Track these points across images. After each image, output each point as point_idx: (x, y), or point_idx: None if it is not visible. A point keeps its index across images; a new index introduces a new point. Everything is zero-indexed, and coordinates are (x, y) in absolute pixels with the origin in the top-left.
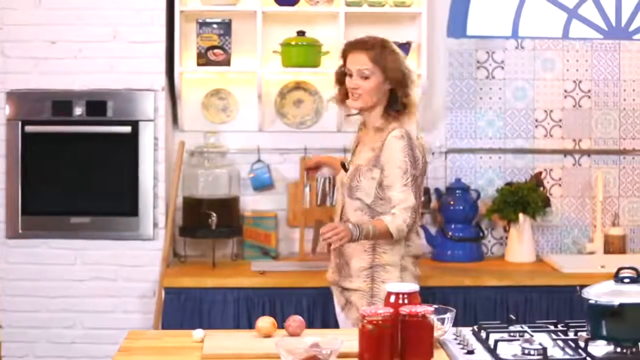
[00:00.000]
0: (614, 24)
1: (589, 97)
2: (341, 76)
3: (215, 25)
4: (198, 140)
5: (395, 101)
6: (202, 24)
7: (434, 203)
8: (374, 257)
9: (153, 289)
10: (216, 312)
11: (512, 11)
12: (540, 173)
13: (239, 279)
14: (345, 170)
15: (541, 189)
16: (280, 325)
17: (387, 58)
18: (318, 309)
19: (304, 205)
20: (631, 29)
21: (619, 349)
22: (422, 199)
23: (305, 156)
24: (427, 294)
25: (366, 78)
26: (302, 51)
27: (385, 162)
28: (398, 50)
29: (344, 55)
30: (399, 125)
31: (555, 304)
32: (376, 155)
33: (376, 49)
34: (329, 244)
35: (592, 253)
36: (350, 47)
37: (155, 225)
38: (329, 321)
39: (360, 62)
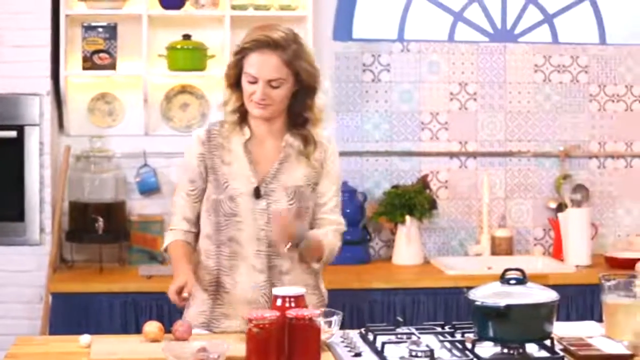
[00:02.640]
0: (499, 26)
1: (475, 99)
2: (236, 79)
3: (100, 29)
4: (84, 144)
5: (303, 106)
6: (88, 28)
7: None
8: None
9: (40, 294)
10: (103, 317)
11: (397, 14)
12: (427, 175)
13: (126, 284)
14: (259, 196)
15: (428, 191)
16: (168, 329)
17: (302, 59)
18: None
19: None
20: (517, 31)
21: (505, 350)
22: None
23: None
24: None
25: (277, 87)
26: (188, 55)
27: (325, 175)
28: (307, 44)
29: (243, 52)
30: (313, 132)
31: (442, 305)
32: (317, 171)
33: (290, 48)
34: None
35: (479, 255)
36: (257, 46)
37: (41, 230)
38: None
39: (272, 68)
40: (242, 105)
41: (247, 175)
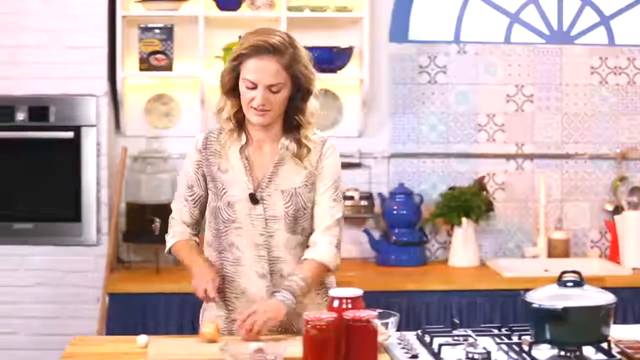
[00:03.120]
0: (555, 28)
1: (532, 101)
2: (232, 85)
3: (157, 30)
4: (141, 145)
5: (297, 109)
6: (144, 29)
7: (377, 208)
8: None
9: (97, 295)
10: (160, 318)
11: (454, 16)
12: (483, 177)
13: (183, 284)
14: (256, 201)
15: (484, 193)
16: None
17: (299, 63)
18: None
19: None
20: (573, 33)
21: (562, 353)
22: None
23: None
24: (371, 299)
25: (277, 92)
26: None
27: (318, 175)
28: (302, 47)
29: (240, 58)
30: (307, 134)
31: (498, 308)
32: (310, 172)
33: (288, 52)
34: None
35: (535, 257)
36: (256, 52)
37: (98, 230)
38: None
39: (270, 73)
40: (238, 111)
41: (244, 181)
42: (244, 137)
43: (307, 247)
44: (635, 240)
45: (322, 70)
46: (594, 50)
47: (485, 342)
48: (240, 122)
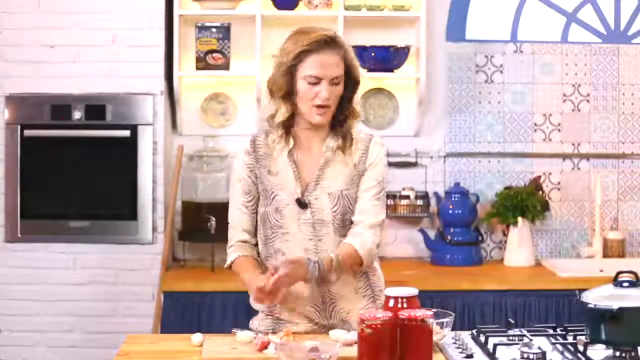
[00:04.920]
0: (612, 28)
1: (588, 101)
2: (289, 86)
3: (214, 29)
4: (197, 144)
5: (347, 100)
6: (201, 28)
7: (433, 207)
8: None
9: (152, 293)
10: (215, 317)
11: (511, 15)
12: (539, 177)
13: (238, 283)
14: (304, 206)
15: (540, 193)
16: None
17: (351, 54)
18: None
19: None
20: (630, 33)
21: (618, 353)
22: None
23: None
24: (426, 298)
25: (338, 84)
26: None
27: (362, 171)
28: None
29: (301, 56)
30: (352, 128)
31: (554, 307)
32: (360, 171)
33: (341, 44)
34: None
35: (591, 257)
36: (318, 47)
37: (154, 229)
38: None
39: (334, 66)
40: (291, 115)
41: (293, 186)
42: (291, 140)
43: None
44: None
45: (379, 70)
46: None
47: (540, 342)
48: (288, 125)
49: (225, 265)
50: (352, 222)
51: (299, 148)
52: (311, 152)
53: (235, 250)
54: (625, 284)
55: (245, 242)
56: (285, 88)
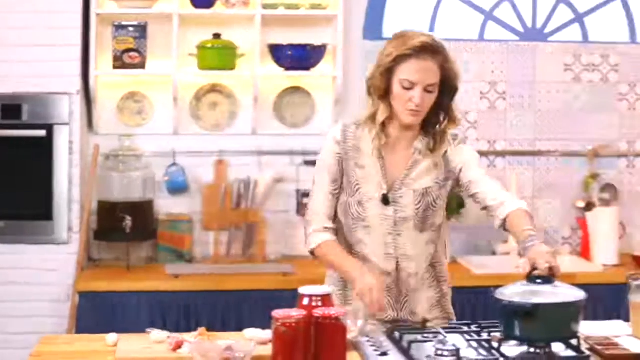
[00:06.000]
0: (530, 26)
1: (504, 98)
2: (386, 87)
3: (131, 28)
4: (113, 143)
5: (444, 107)
6: (118, 27)
7: None
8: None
9: (67, 293)
10: (130, 316)
11: (428, 13)
12: None
13: (154, 283)
14: (387, 203)
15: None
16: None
17: (450, 62)
18: (232, 312)
19: (219, 208)
20: (547, 30)
21: (532, 349)
22: None
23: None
24: None
25: (432, 92)
26: (217, 54)
27: (458, 164)
28: None
29: (399, 60)
30: (447, 134)
31: (469, 305)
32: (442, 166)
33: (441, 52)
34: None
35: (506, 254)
36: (417, 53)
37: (69, 229)
38: (243, 324)
39: (431, 74)
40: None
41: (378, 181)
42: (383, 138)
43: (488, 209)
44: (607, 237)
45: (296, 68)
46: (567, 48)
47: (455, 339)
48: (383, 123)
49: (309, 249)
50: (432, 216)
51: (388, 145)
52: (399, 150)
53: (320, 235)
54: (539, 281)
55: (328, 228)
56: (383, 88)
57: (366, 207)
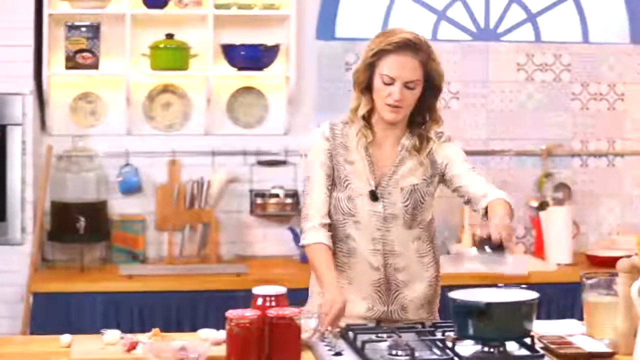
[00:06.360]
0: (482, 25)
1: (458, 98)
2: (367, 82)
3: (83, 29)
4: (66, 144)
5: (427, 106)
6: (71, 27)
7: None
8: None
9: (21, 294)
10: (85, 317)
11: (381, 13)
12: None
13: (107, 283)
14: (376, 199)
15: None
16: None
17: (434, 61)
18: (186, 313)
19: (173, 208)
20: (499, 30)
21: (486, 349)
22: None
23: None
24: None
25: (413, 88)
26: (170, 54)
27: (443, 160)
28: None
29: (380, 54)
30: (430, 131)
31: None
32: (427, 164)
33: (424, 50)
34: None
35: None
36: (397, 49)
37: (23, 229)
38: (197, 324)
39: (410, 70)
40: (370, 109)
41: (367, 177)
42: (370, 134)
43: (471, 201)
44: (560, 236)
45: (249, 68)
46: (520, 48)
47: (409, 339)
48: (368, 119)
49: (302, 243)
50: (421, 213)
51: (375, 143)
52: (386, 148)
53: (316, 234)
54: (488, 250)
55: (325, 225)
56: (365, 82)
57: (356, 202)
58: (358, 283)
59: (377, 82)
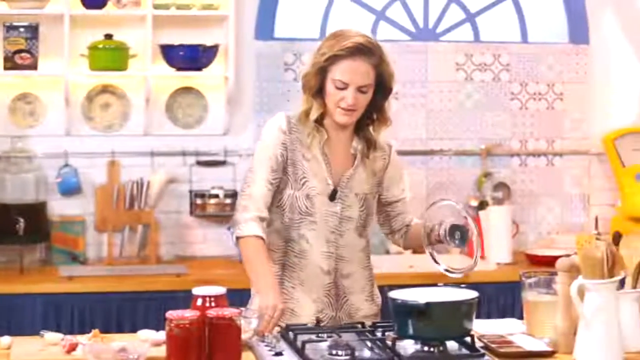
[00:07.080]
0: (421, 25)
1: (397, 98)
2: (319, 86)
3: (22, 29)
4: (5, 145)
5: (377, 107)
6: (9, 28)
7: None
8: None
9: None
10: (24, 319)
11: (320, 13)
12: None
13: (47, 285)
14: (334, 199)
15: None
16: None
17: (385, 63)
18: (126, 314)
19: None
20: (438, 30)
21: (426, 348)
22: None
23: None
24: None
25: (366, 92)
26: (109, 54)
27: (391, 178)
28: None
29: (332, 59)
30: (376, 135)
31: None
32: (379, 179)
33: (376, 54)
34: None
35: (400, 253)
36: (350, 54)
37: None
38: (137, 325)
39: (363, 74)
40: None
41: (324, 176)
42: (324, 133)
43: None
44: (500, 235)
45: (188, 68)
46: (459, 47)
47: (350, 338)
48: (319, 121)
49: (236, 235)
50: (369, 225)
51: (329, 143)
52: (340, 150)
53: (252, 226)
54: (458, 233)
55: (263, 219)
56: (316, 86)
57: (314, 201)
58: (309, 285)
59: (330, 87)
